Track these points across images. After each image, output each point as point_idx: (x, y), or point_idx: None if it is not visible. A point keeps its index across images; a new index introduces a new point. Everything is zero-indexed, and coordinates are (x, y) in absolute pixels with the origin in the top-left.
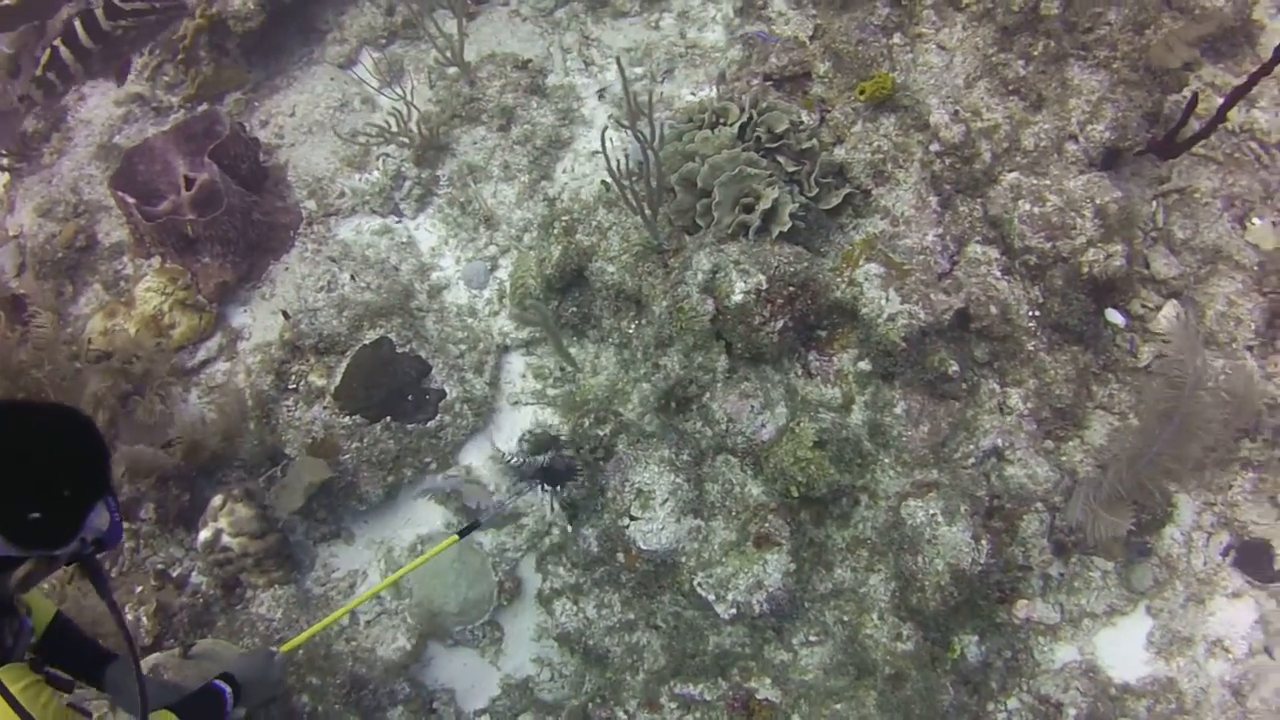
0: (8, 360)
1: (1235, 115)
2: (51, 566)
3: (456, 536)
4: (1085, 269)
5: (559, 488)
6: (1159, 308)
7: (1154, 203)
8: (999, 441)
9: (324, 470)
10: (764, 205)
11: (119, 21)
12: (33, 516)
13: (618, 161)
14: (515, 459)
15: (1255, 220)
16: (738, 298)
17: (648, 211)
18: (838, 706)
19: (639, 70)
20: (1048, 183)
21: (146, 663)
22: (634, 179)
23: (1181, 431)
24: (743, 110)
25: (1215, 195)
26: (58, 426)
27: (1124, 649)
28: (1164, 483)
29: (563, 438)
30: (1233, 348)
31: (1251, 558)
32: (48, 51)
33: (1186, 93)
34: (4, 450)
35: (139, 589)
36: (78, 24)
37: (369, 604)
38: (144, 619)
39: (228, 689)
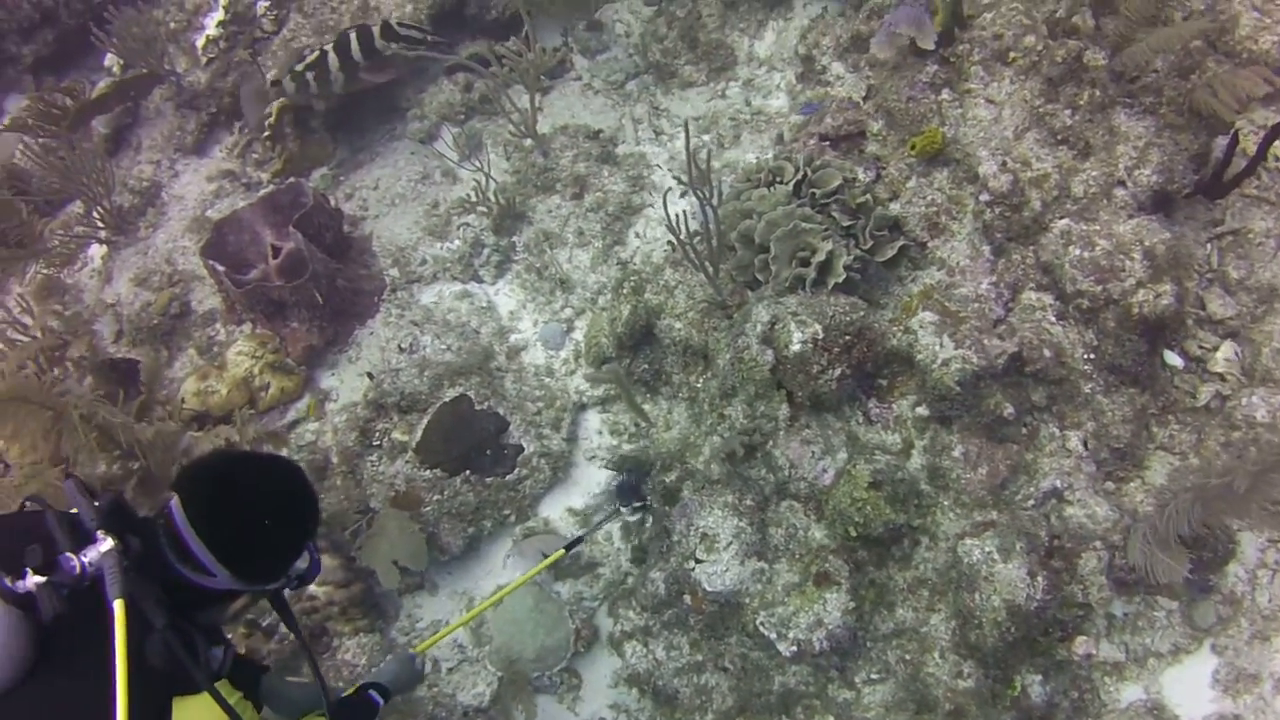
0: (122, 426)
1: None
2: (256, 600)
3: (563, 551)
4: (1135, 309)
5: (631, 506)
6: (1216, 348)
7: (1209, 245)
8: (1058, 483)
9: (413, 538)
10: (819, 258)
11: (392, 44)
12: (261, 558)
13: (677, 218)
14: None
15: None
16: (796, 347)
17: (709, 268)
18: None
19: (706, 137)
20: (1097, 228)
21: None
22: (696, 238)
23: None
24: (797, 169)
25: (1269, 235)
26: (280, 476)
27: (1190, 687)
28: (1226, 519)
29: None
30: None
31: None
32: (316, 53)
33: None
34: (240, 497)
35: (229, 636)
36: (353, 36)
37: (451, 651)
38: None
39: (380, 700)
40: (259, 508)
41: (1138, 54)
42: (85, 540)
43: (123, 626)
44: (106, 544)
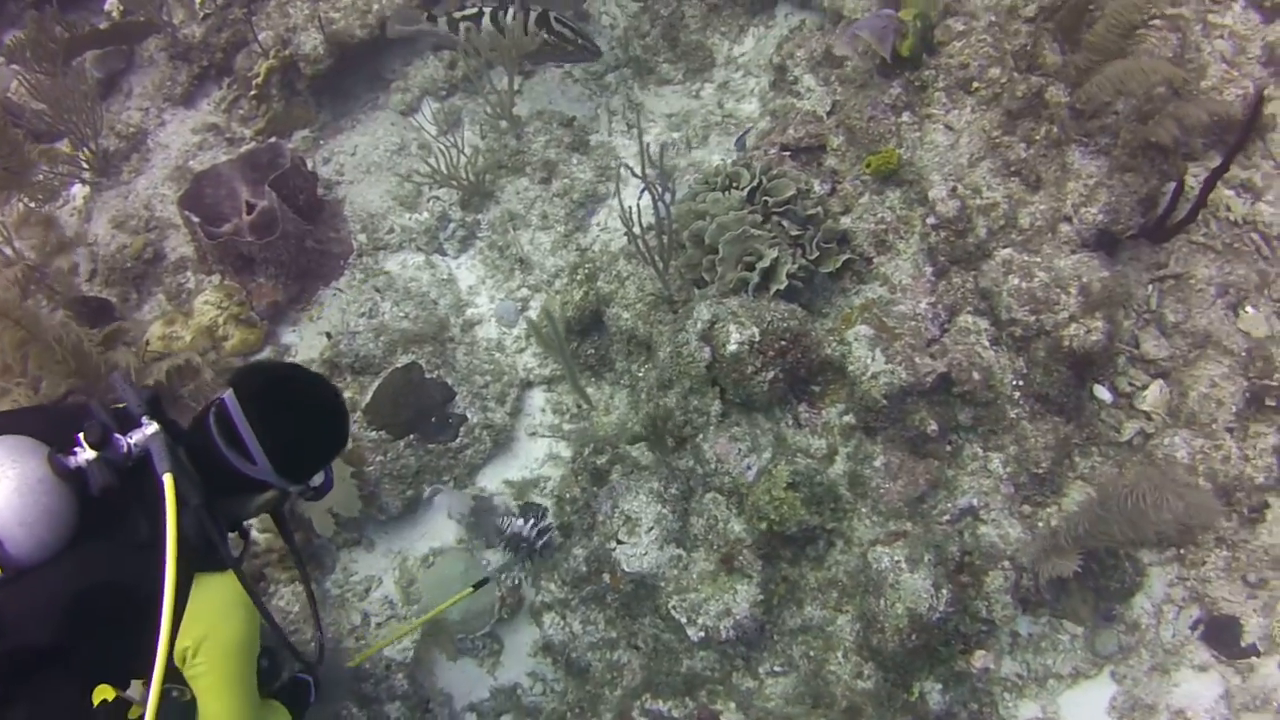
0: (82, 352)
1: (1240, 207)
2: (271, 503)
3: (473, 589)
4: (1065, 342)
5: (523, 557)
6: (1145, 386)
7: (1150, 286)
8: (975, 501)
9: (345, 485)
10: (763, 264)
11: (542, 32)
12: (299, 456)
13: (632, 211)
14: (504, 521)
15: (1248, 309)
16: (732, 347)
17: (660, 264)
18: None
19: (676, 135)
20: (1038, 260)
21: None
22: (650, 233)
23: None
24: (753, 176)
25: (1210, 282)
26: (327, 390)
27: (1087, 711)
28: (1134, 551)
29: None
30: (1212, 429)
31: (1220, 633)
32: (476, 9)
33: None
34: (293, 398)
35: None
36: (513, 9)
37: (380, 607)
38: None
39: (311, 680)
40: (306, 411)
41: (1100, 85)
42: (131, 425)
43: (173, 497)
44: (152, 427)
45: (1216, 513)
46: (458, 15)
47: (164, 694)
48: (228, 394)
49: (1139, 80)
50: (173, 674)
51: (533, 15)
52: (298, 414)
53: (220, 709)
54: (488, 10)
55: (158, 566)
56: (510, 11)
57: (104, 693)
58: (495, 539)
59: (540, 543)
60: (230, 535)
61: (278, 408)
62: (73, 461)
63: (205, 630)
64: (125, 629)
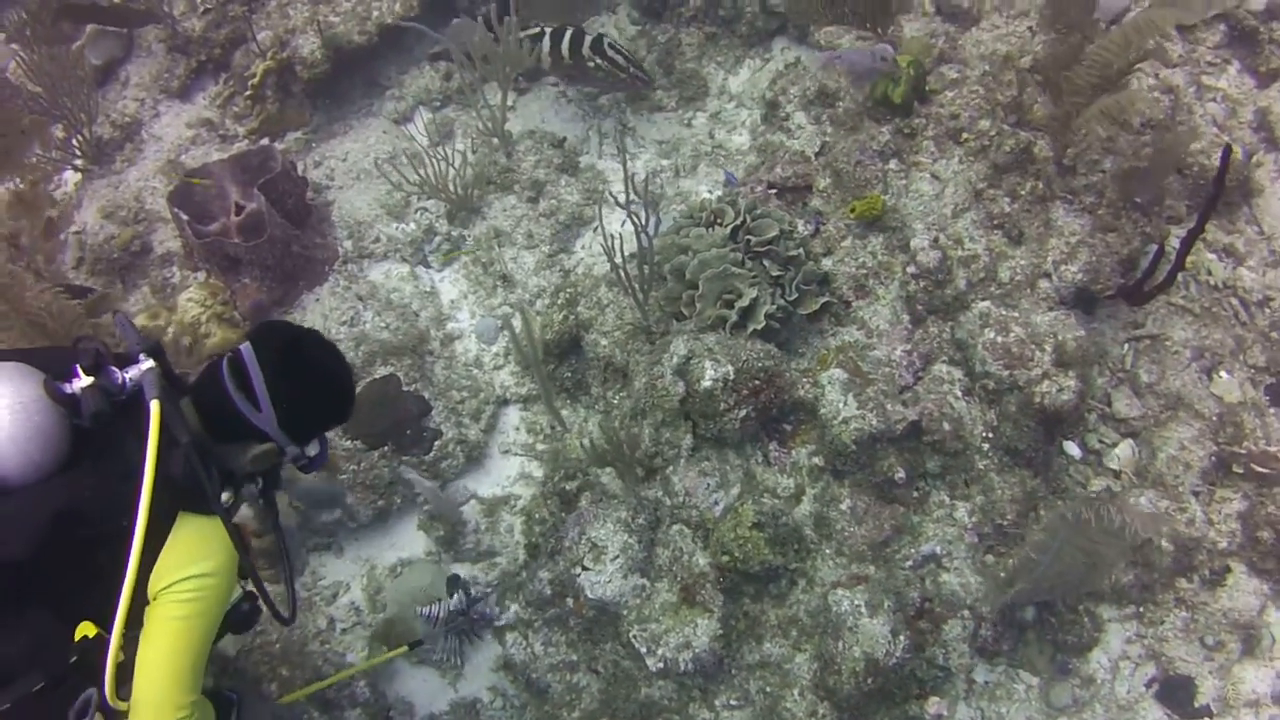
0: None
1: (1221, 271)
2: (263, 465)
3: (408, 647)
4: (1037, 398)
5: (466, 634)
6: (1115, 445)
7: (1125, 345)
8: (938, 549)
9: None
10: (742, 303)
11: (596, 58)
12: (302, 412)
13: (614, 240)
14: (429, 609)
15: (1223, 374)
16: (706, 383)
17: (640, 295)
18: None
19: (665, 162)
20: (1015, 315)
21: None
22: (632, 262)
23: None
24: (738, 213)
25: (1186, 345)
26: (340, 360)
27: None
28: (1091, 606)
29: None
30: (1178, 490)
31: (1174, 692)
32: (538, 29)
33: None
34: (306, 356)
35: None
36: (568, 34)
37: (347, 613)
38: None
39: (237, 697)
40: (319, 373)
41: (1085, 121)
42: (129, 363)
43: (158, 422)
44: (148, 364)
45: (1162, 522)
46: (524, 34)
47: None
48: (245, 345)
49: (1119, 109)
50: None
51: (587, 40)
52: (310, 373)
53: (167, 657)
54: (549, 30)
55: (138, 496)
56: (568, 35)
57: (86, 629)
58: (425, 627)
59: (477, 612)
60: (224, 495)
61: (293, 362)
62: (68, 387)
63: (180, 570)
64: (104, 560)
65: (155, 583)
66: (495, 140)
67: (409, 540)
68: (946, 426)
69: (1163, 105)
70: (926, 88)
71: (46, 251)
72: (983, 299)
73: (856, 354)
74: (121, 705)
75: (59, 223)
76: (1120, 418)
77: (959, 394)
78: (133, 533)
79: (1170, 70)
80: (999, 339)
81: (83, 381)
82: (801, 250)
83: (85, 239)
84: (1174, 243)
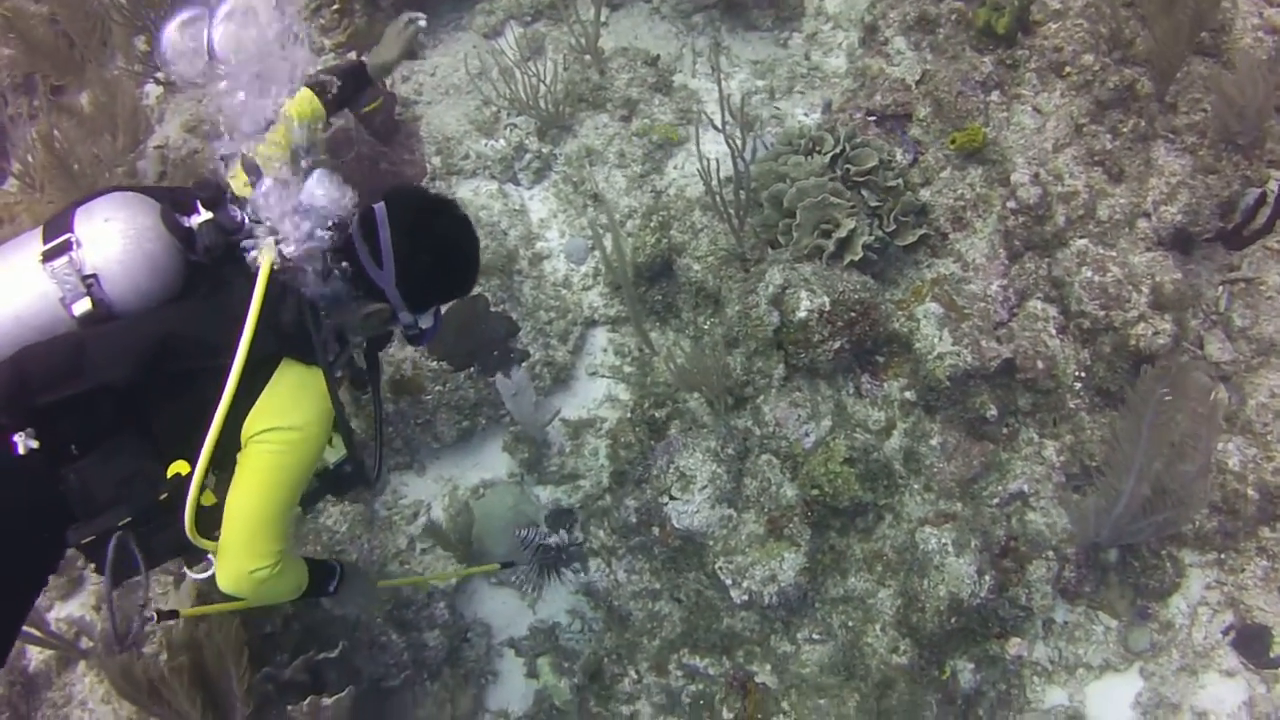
0: None
1: None
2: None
3: (498, 565)
4: (1132, 340)
5: (552, 570)
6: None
7: (1220, 288)
8: (1025, 487)
9: None
10: (840, 234)
11: None
12: (423, 276)
13: (712, 164)
14: (525, 533)
15: None
16: (801, 314)
17: (735, 221)
18: (821, 701)
19: (760, 83)
20: (1113, 254)
21: None
22: (728, 187)
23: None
24: (837, 142)
25: None
26: (472, 236)
27: (1112, 704)
28: (1174, 550)
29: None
30: (1266, 438)
31: (1250, 641)
32: None
33: (1271, 186)
34: (438, 223)
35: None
36: None
37: (427, 533)
38: None
39: (340, 569)
40: (448, 241)
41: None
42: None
43: (269, 263)
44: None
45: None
46: None
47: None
48: (379, 202)
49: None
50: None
51: None
52: (438, 238)
53: (253, 502)
54: None
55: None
56: None
57: (179, 467)
58: (518, 548)
59: (567, 557)
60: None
61: (423, 225)
62: (185, 221)
63: (275, 418)
64: (204, 397)
65: (249, 427)
66: (587, 57)
67: (492, 461)
68: (1040, 365)
69: (1266, 46)
70: (1030, 18)
71: (128, 165)
72: (1081, 236)
73: (952, 287)
74: (205, 544)
75: (141, 136)
76: (1212, 361)
77: (1053, 332)
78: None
79: (1275, 9)
80: (1096, 278)
81: (201, 216)
82: (900, 181)
83: (167, 153)
84: (1274, 186)
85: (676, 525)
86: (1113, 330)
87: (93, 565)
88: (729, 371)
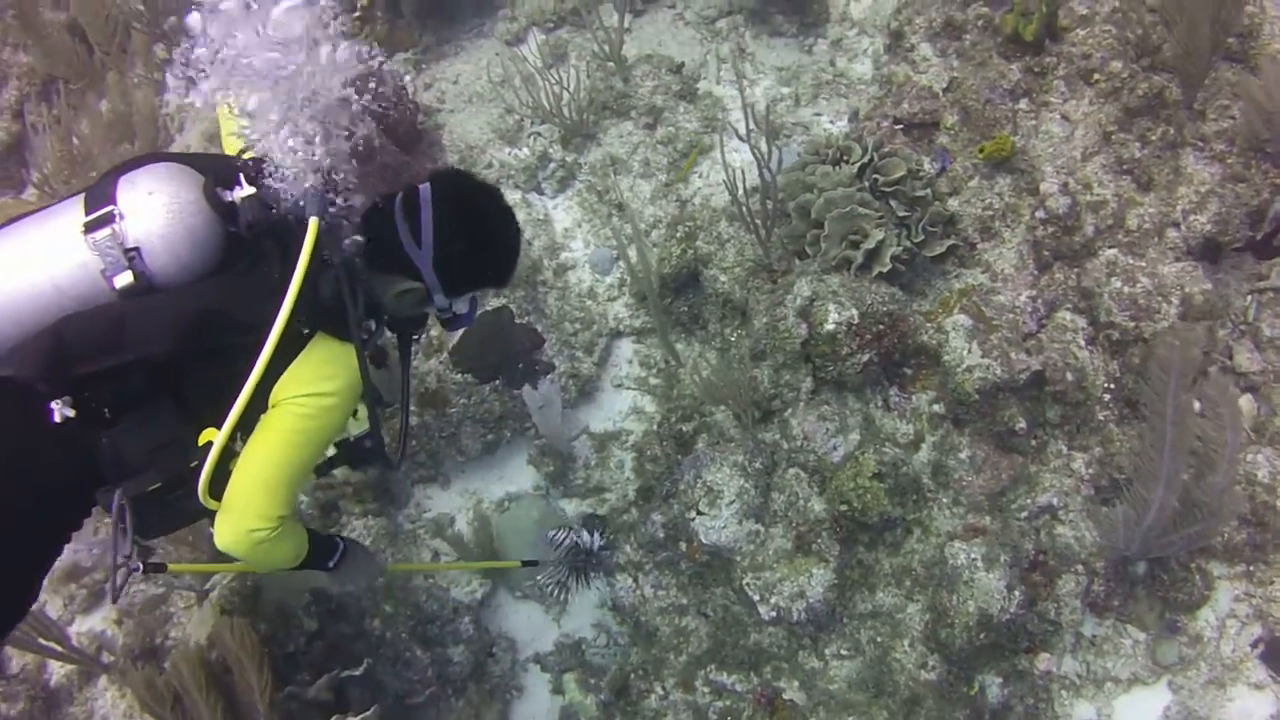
0: None
1: None
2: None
3: (520, 564)
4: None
5: (581, 574)
6: (1235, 400)
7: (1249, 298)
8: (1055, 500)
9: None
10: (868, 245)
11: None
12: (459, 258)
13: (737, 174)
14: (557, 533)
15: None
16: (830, 327)
17: (762, 231)
18: (849, 718)
19: (785, 90)
20: (1143, 264)
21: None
22: (754, 197)
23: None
24: (865, 151)
25: None
26: (514, 227)
27: (1140, 718)
28: (1203, 562)
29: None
30: None
31: (1278, 654)
32: None
33: None
34: (480, 207)
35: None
36: None
37: (450, 548)
38: None
39: (343, 547)
40: (489, 227)
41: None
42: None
43: (313, 234)
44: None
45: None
46: None
47: None
48: (425, 184)
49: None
50: None
51: None
52: (480, 224)
53: (270, 459)
54: None
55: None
56: None
57: (209, 435)
58: (549, 549)
59: (597, 562)
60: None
61: (465, 208)
62: (228, 195)
63: (303, 386)
64: (239, 368)
65: (277, 393)
66: (610, 64)
67: (517, 474)
68: (1069, 377)
69: None
70: (1058, 23)
71: None
72: (1110, 246)
73: (980, 298)
74: (212, 504)
75: (160, 144)
76: (1241, 371)
77: (1082, 343)
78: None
79: None
80: (1126, 289)
81: (244, 190)
82: (928, 190)
83: None
84: None
85: (704, 540)
86: (1142, 341)
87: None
88: (756, 384)
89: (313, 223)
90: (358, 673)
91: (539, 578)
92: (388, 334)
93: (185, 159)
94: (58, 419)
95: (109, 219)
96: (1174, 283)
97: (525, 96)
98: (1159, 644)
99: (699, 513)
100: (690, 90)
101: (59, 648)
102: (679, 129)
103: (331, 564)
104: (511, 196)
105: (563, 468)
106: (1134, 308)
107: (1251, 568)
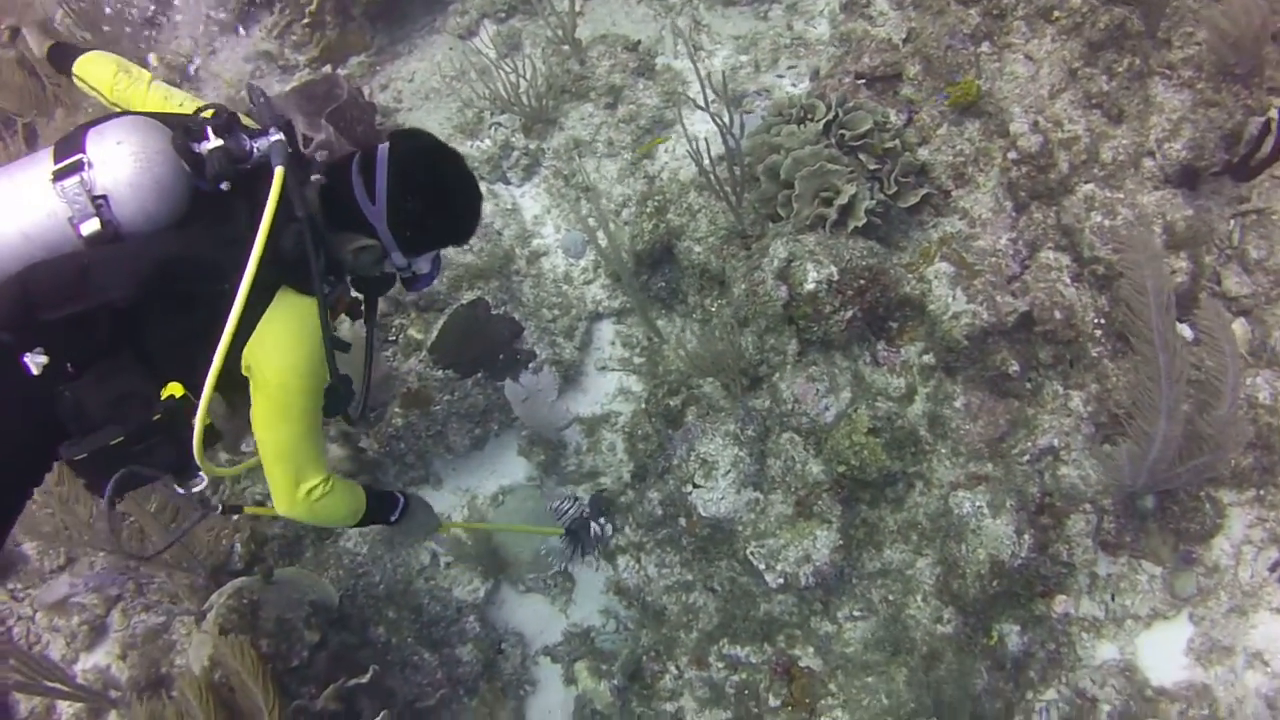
0: None
1: None
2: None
3: (561, 530)
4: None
5: (582, 547)
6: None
7: (1232, 221)
8: (1055, 441)
9: None
10: (841, 200)
11: None
12: (416, 218)
13: (701, 142)
14: (560, 504)
15: None
16: (810, 286)
17: (732, 197)
18: (869, 679)
19: (744, 58)
20: (1121, 196)
21: (235, 583)
22: (721, 164)
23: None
24: (829, 108)
25: None
26: (472, 184)
27: (1164, 653)
28: (1212, 490)
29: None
30: None
31: None
32: None
33: (1273, 113)
34: (437, 167)
35: (236, 518)
36: None
37: (450, 547)
38: (238, 546)
39: (404, 500)
40: (443, 184)
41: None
42: (260, 135)
43: (278, 186)
44: (277, 136)
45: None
46: None
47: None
48: (384, 143)
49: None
50: (240, 382)
51: None
52: (435, 182)
53: (275, 434)
54: None
55: (245, 261)
56: None
57: (173, 389)
58: (552, 520)
59: (599, 526)
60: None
61: (421, 167)
62: (196, 147)
63: (276, 347)
64: (201, 320)
65: (249, 356)
66: (566, 48)
67: (509, 467)
68: (1058, 315)
69: None
70: None
71: None
72: (1086, 181)
73: (960, 245)
74: (212, 470)
75: None
76: (1231, 296)
77: (1068, 281)
78: (235, 295)
79: None
80: (1107, 222)
81: (211, 143)
82: (897, 142)
83: None
84: (1276, 113)
85: (703, 514)
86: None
87: (83, 481)
88: (741, 352)
89: (278, 171)
90: (364, 680)
91: (543, 550)
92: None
93: (158, 115)
94: (35, 372)
95: (77, 167)
96: (1155, 212)
97: (482, 89)
98: (1176, 577)
99: (695, 486)
100: (648, 66)
101: (65, 688)
102: (640, 105)
103: (394, 518)
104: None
105: (554, 456)
106: (1116, 239)
107: (1261, 492)
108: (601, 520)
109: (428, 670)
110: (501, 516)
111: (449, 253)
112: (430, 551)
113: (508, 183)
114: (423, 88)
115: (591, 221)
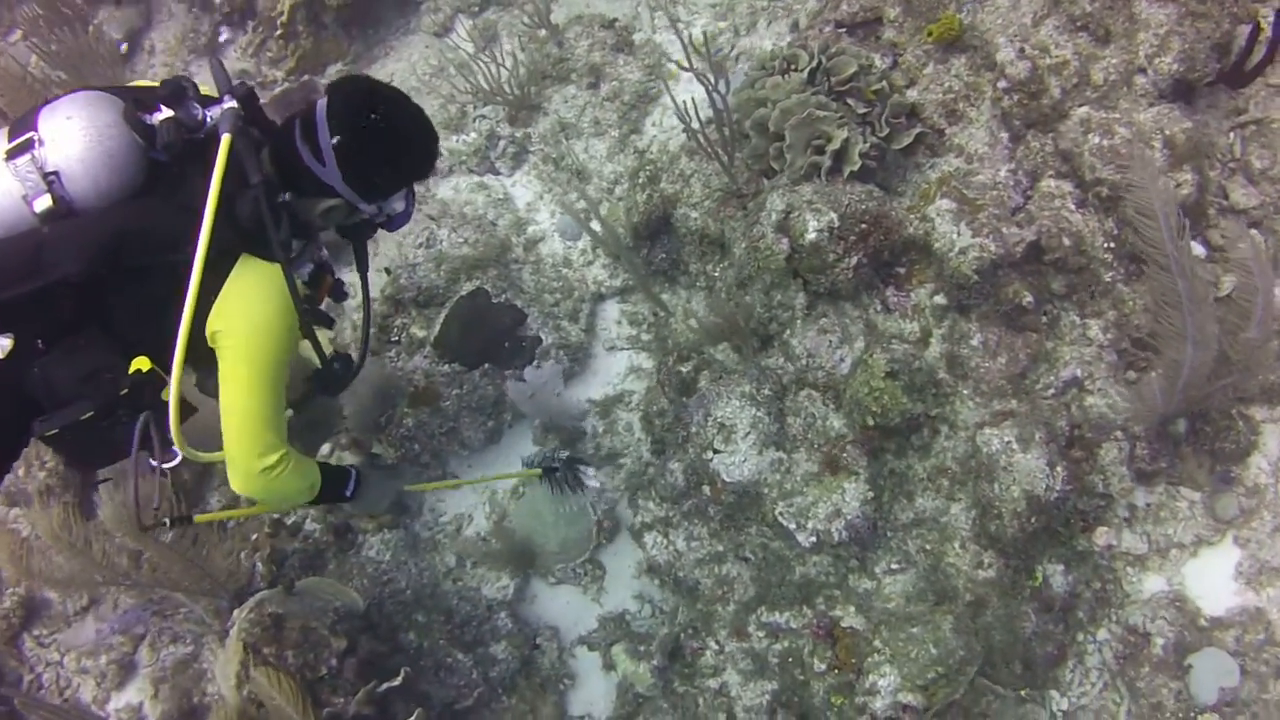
0: None
1: None
2: (340, 213)
3: (539, 472)
4: None
5: (566, 481)
6: (1239, 238)
7: (1231, 134)
8: (1078, 372)
9: None
10: (833, 146)
11: None
12: (369, 168)
13: (689, 106)
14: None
15: None
16: (811, 236)
17: (724, 157)
18: (914, 630)
19: (723, 24)
20: (1117, 115)
21: (256, 597)
22: (710, 126)
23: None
24: (811, 56)
25: None
26: (417, 114)
27: (1213, 580)
28: (1243, 409)
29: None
30: None
31: None
32: None
33: (1262, 18)
34: (379, 109)
35: (254, 535)
36: None
37: (476, 546)
38: (259, 564)
39: (355, 472)
40: (386, 128)
41: None
42: (215, 104)
43: (225, 152)
44: (230, 104)
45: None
46: None
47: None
48: (320, 100)
49: None
50: (207, 354)
51: None
52: (378, 128)
53: (238, 402)
54: None
55: (199, 229)
56: None
57: (140, 363)
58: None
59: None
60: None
61: (361, 118)
62: (148, 118)
63: (237, 317)
64: (162, 291)
65: (213, 324)
66: (542, 32)
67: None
68: (1066, 242)
69: None
70: None
71: None
72: (1080, 105)
73: (960, 181)
74: (192, 453)
75: None
76: (1239, 209)
77: (1073, 206)
78: (192, 264)
79: None
80: (1105, 143)
81: (163, 114)
82: (885, 83)
83: None
84: (1265, 21)
85: (726, 479)
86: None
87: (61, 457)
88: (749, 311)
89: (225, 138)
90: (396, 684)
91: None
92: (324, 252)
93: (113, 89)
94: (1, 355)
95: (29, 145)
96: (1153, 128)
97: (462, 83)
98: (1216, 499)
99: (716, 451)
100: (626, 42)
101: None
102: (623, 81)
103: (349, 492)
104: (467, 182)
105: (571, 441)
106: (1118, 159)
107: None
108: (580, 465)
109: (463, 671)
110: (522, 509)
111: (444, 248)
112: (455, 553)
113: (497, 173)
114: (402, 87)
115: (575, 211)
